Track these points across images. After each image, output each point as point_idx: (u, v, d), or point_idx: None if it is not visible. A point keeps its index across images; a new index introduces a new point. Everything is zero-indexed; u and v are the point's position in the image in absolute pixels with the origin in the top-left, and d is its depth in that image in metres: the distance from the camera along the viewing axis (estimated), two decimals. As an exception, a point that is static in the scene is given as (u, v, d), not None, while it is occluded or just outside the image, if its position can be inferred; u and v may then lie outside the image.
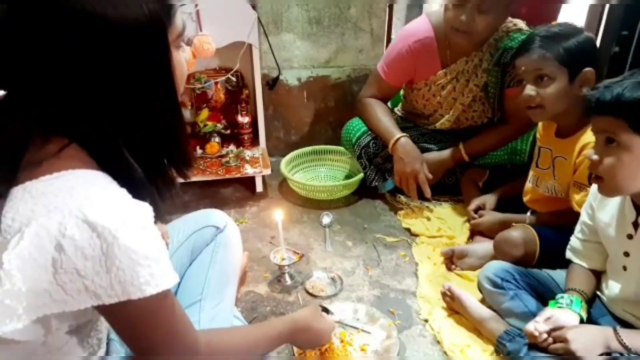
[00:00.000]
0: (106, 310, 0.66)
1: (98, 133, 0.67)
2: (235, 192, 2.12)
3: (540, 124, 1.58)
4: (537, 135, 1.59)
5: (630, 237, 1.08)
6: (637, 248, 1.07)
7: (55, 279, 0.61)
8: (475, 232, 1.73)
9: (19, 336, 0.63)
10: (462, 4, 1.58)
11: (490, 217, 1.66)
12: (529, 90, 1.37)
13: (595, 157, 1.01)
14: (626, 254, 1.09)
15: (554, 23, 1.43)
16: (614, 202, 1.12)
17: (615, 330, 1.05)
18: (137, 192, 0.69)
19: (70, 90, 0.65)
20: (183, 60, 0.75)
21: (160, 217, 0.73)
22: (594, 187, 1.18)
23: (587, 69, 1.32)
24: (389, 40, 2.32)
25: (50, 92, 0.65)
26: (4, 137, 0.66)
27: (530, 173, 1.58)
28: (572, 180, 1.39)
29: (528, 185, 1.58)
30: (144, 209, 0.67)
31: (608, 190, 1.04)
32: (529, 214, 1.57)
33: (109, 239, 0.61)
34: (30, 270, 0.60)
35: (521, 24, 1.74)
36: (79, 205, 0.61)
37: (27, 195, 0.62)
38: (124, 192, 0.67)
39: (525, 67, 1.37)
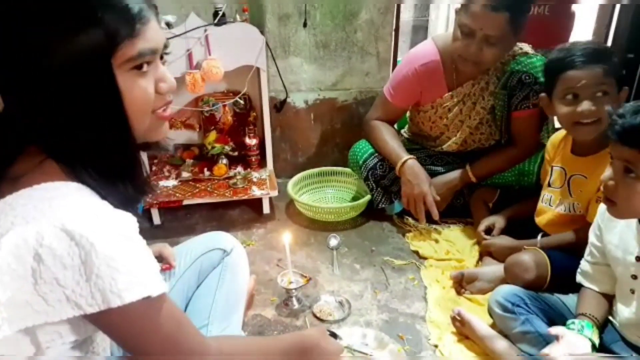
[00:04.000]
0: (94, 320, 0.66)
1: (61, 148, 0.66)
2: (243, 214, 2.12)
3: (549, 144, 1.58)
4: (547, 156, 1.59)
5: (638, 259, 1.06)
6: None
7: (35, 289, 0.60)
8: (484, 253, 1.71)
9: (4, 349, 0.62)
10: (471, 35, 1.59)
11: (501, 240, 1.65)
12: (589, 105, 1.30)
13: (611, 182, 1.00)
14: (634, 277, 1.08)
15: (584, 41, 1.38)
16: (622, 223, 1.11)
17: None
18: (118, 205, 0.68)
19: (25, 105, 0.64)
20: (142, 85, 0.69)
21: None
22: (602, 208, 1.17)
23: (625, 87, 1.32)
24: (395, 63, 2.34)
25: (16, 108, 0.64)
26: None
27: (543, 193, 1.57)
28: (595, 197, 1.37)
29: (541, 205, 1.57)
30: (126, 218, 0.66)
31: (619, 214, 1.04)
32: (539, 237, 1.55)
33: (86, 246, 0.60)
34: (10, 281, 0.59)
35: (527, 47, 1.76)
36: (56, 215, 0.61)
37: (7, 207, 0.62)
38: (104, 203, 0.66)
39: (586, 81, 1.30)
